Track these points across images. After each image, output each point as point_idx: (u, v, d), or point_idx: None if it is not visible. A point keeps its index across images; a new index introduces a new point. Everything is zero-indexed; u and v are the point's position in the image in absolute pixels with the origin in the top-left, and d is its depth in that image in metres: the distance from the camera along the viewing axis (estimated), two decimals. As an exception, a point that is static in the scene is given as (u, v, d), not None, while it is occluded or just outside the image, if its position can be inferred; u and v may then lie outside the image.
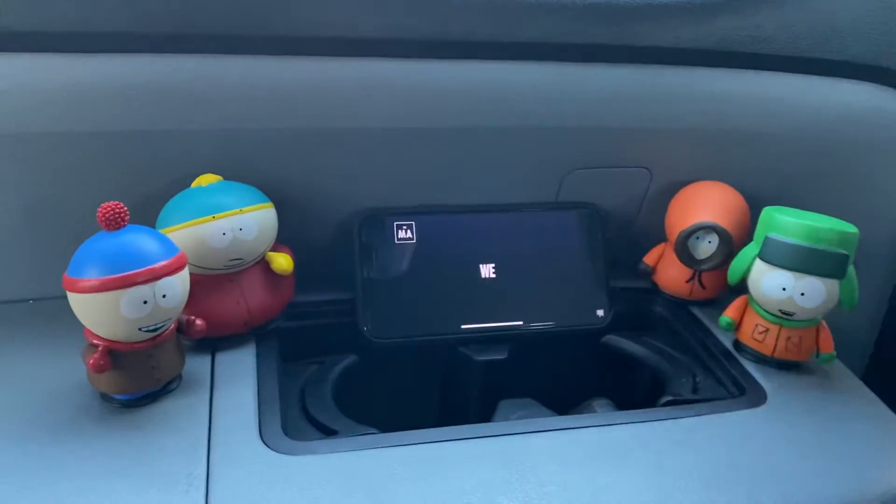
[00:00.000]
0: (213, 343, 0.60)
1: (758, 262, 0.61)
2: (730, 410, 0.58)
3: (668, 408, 0.60)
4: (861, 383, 0.64)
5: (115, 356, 0.50)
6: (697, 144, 0.71)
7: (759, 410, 0.58)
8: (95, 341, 0.50)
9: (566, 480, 0.49)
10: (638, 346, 0.71)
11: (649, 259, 0.74)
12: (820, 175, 0.72)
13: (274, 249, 0.62)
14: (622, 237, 0.76)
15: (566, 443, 0.53)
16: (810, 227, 0.58)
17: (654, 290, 0.75)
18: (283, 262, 0.61)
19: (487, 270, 0.69)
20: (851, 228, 0.60)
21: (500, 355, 0.68)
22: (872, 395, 0.63)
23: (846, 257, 0.58)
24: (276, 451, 0.50)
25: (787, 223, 0.60)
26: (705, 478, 0.50)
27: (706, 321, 0.70)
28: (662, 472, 0.51)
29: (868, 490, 0.52)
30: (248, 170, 0.63)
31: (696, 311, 0.72)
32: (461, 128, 0.66)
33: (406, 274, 0.67)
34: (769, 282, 0.60)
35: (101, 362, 0.49)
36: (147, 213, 0.58)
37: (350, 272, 0.67)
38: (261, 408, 0.54)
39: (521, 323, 0.69)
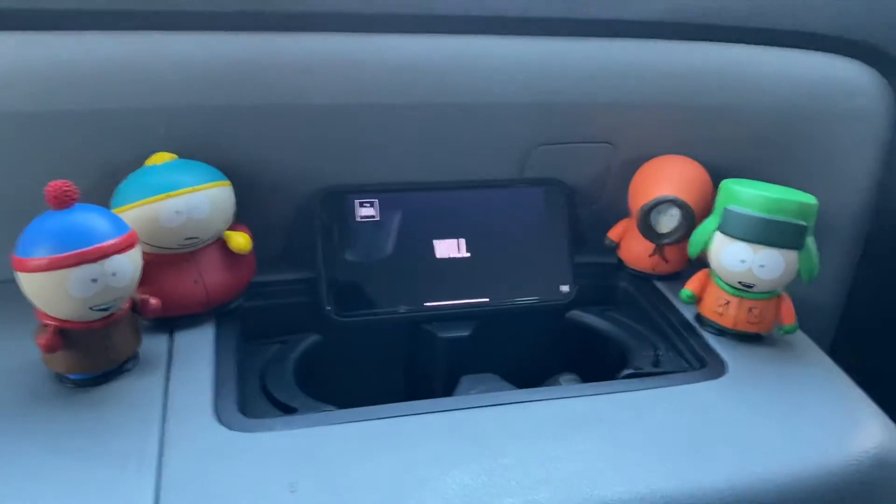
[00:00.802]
0: (172, 323, 0.59)
1: (717, 234, 0.61)
2: (689, 382, 0.58)
3: (627, 380, 0.60)
4: (823, 354, 0.64)
5: (67, 336, 0.50)
6: (659, 118, 0.71)
7: (718, 382, 0.58)
8: (47, 321, 0.50)
9: (521, 452, 0.49)
10: (602, 321, 0.71)
11: (614, 234, 0.74)
12: (783, 147, 0.72)
13: (233, 228, 0.62)
14: (588, 212, 0.76)
15: (524, 415, 0.53)
16: (768, 198, 0.59)
17: (620, 265, 0.75)
18: (240, 240, 0.61)
19: (451, 247, 0.69)
20: (810, 199, 0.60)
21: (464, 332, 0.68)
22: (833, 365, 0.63)
23: (804, 228, 0.59)
24: (230, 428, 0.50)
25: (745, 195, 0.60)
26: (661, 448, 0.51)
27: (669, 295, 0.70)
28: (618, 442, 0.51)
29: (824, 458, 0.52)
30: (205, 148, 0.62)
31: (660, 286, 0.72)
32: (422, 104, 0.66)
33: (368, 252, 0.67)
34: (728, 254, 0.60)
35: (52, 342, 0.49)
36: (103, 194, 0.58)
37: (312, 251, 0.67)
38: (217, 386, 0.54)
39: (485, 299, 0.69)
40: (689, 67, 0.69)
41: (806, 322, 0.69)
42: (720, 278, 0.63)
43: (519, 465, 0.48)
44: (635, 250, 0.72)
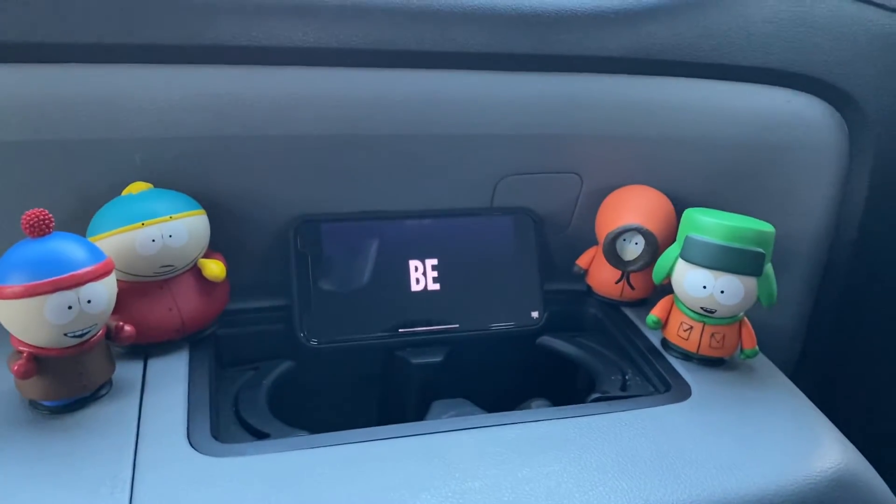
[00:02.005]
0: (146, 349, 0.60)
1: (680, 261, 0.63)
2: (654, 405, 0.60)
3: (595, 404, 0.61)
4: (783, 377, 0.66)
5: (41, 362, 0.51)
6: (625, 150, 0.73)
7: (683, 405, 0.60)
8: (21, 348, 0.50)
9: (489, 475, 0.50)
10: (571, 347, 0.73)
11: (582, 261, 0.76)
12: (743, 177, 0.75)
13: (207, 256, 0.63)
14: (557, 241, 0.78)
15: (492, 439, 0.54)
16: (728, 226, 0.61)
17: (588, 291, 0.77)
18: (215, 268, 0.62)
19: (423, 275, 0.71)
20: (767, 227, 0.62)
21: (436, 357, 0.70)
22: (794, 388, 0.65)
23: (762, 255, 0.61)
24: (202, 453, 0.50)
25: (706, 223, 0.62)
26: (626, 469, 0.52)
27: (636, 321, 0.72)
28: (584, 464, 0.52)
29: (784, 477, 0.53)
30: (180, 178, 0.63)
31: (628, 312, 0.74)
32: (394, 135, 0.68)
33: (342, 279, 0.68)
34: (690, 280, 0.62)
35: (26, 368, 0.50)
36: (80, 222, 0.59)
37: (286, 278, 0.68)
38: (190, 412, 0.54)
39: (457, 326, 0.71)
40: (653, 101, 0.72)
41: (768, 346, 0.72)
42: (683, 304, 0.65)
43: (488, 488, 0.49)
44: (603, 277, 0.74)
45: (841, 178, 0.74)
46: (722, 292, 0.61)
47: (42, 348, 0.50)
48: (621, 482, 0.51)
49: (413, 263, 0.70)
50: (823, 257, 0.78)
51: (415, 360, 0.69)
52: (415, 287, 0.70)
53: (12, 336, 0.51)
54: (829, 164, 0.74)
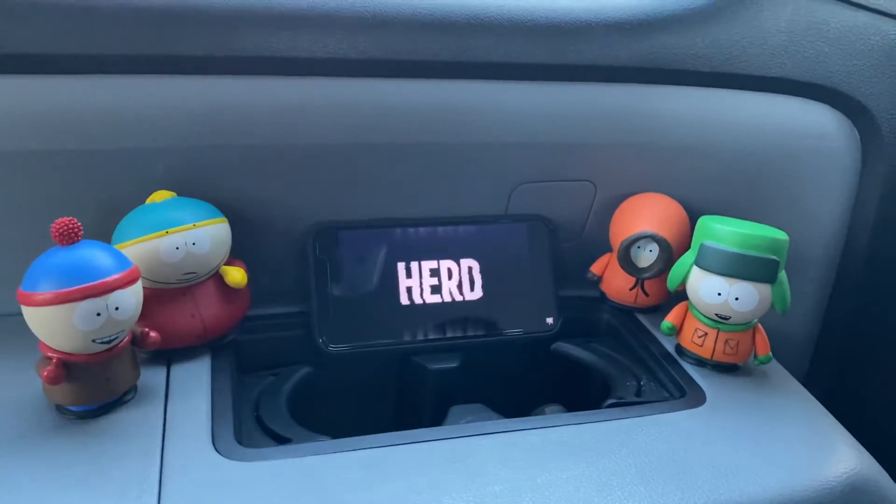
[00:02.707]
0: (169, 355, 0.61)
1: (694, 268, 0.64)
2: (669, 411, 0.60)
3: (611, 409, 0.62)
4: (797, 383, 0.67)
5: (69, 368, 0.52)
6: (639, 158, 0.74)
7: (698, 410, 0.61)
8: (50, 354, 0.51)
9: (509, 479, 0.51)
10: (585, 353, 0.73)
11: (596, 268, 0.77)
12: (757, 185, 0.75)
13: (228, 263, 0.64)
14: (572, 247, 0.78)
15: (512, 444, 0.55)
16: (742, 234, 0.62)
17: (603, 298, 0.77)
18: (236, 275, 0.63)
19: (439, 281, 0.71)
20: (781, 235, 0.63)
21: (452, 363, 0.70)
22: (807, 394, 0.66)
23: (776, 263, 0.62)
24: (227, 457, 0.51)
25: (720, 231, 0.63)
26: (643, 474, 0.53)
27: (650, 327, 0.73)
28: (602, 469, 0.53)
29: (798, 483, 0.54)
30: (202, 186, 0.64)
31: (642, 318, 0.75)
32: (410, 144, 0.69)
33: (359, 286, 0.69)
34: (705, 287, 0.63)
35: (55, 374, 0.51)
36: (105, 230, 0.60)
37: (305, 285, 0.69)
38: (214, 417, 0.55)
39: (472, 332, 0.72)
40: (666, 110, 0.73)
41: (781, 352, 0.72)
42: (698, 310, 0.65)
43: (508, 492, 0.50)
44: (617, 284, 0.75)
45: (853, 187, 0.75)
46: (737, 299, 0.62)
47: (70, 354, 0.51)
48: (639, 487, 0.52)
49: (429, 269, 0.71)
50: (836, 264, 0.78)
51: (431, 366, 0.70)
52: (431, 293, 0.71)
53: (41, 342, 0.52)
54: (842, 173, 0.74)
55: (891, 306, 0.80)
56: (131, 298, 0.52)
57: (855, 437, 0.61)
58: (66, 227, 0.50)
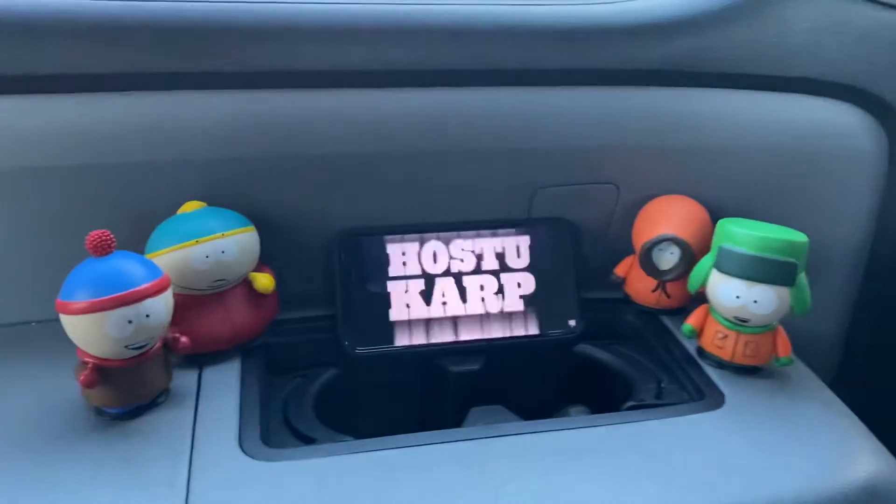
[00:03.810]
0: (201, 359, 0.64)
1: (714, 271, 0.65)
2: (688, 413, 0.61)
3: (629, 412, 0.63)
4: (821, 384, 0.67)
5: (104, 372, 0.55)
6: (661, 161, 0.74)
7: (717, 413, 0.61)
8: (86, 359, 0.54)
9: (525, 480, 0.53)
10: (608, 354, 0.74)
11: (620, 270, 0.77)
12: (781, 186, 0.75)
13: (257, 270, 0.66)
14: (596, 249, 0.79)
15: (528, 445, 0.56)
16: (760, 237, 0.62)
17: (626, 300, 0.78)
18: (265, 281, 0.65)
19: (463, 284, 0.73)
20: (801, 238, 0.63)
21: (474, 366, 0.72)
22: (831, 395, 0.65)
23: (795, 265, 0.61)
24: (253, 458, 0.53)
25: (739, 234, 0.63)
26: (659, 476, 0.54)
27: (673, 329, 0.73)
28: (618, 470, 0.54)
29: (816, 487, 0.54)
30: (231, 196, 0.67)
31: (665, 320, 0.75)
32: (433, 151, 0.70)
33: (383, 289, 0.71)
34: (724, 290, 0.63)
35: (91, 378, 0.54)
36: (139, 240, 0.63)
37: (331, 290, 0.71)
38: (242, 419, 0.58)
39: (494, 334, 0.73)
40: (688, 112, 0.73)
41: (808, 353, 0.72)
42: (718, 313, 0.66)
43: (524, 492, 0.52)
44: (640, 286, 0.75)
45: (880, 187, 0.74)
46: (755, 302, 0.62)
47: (105, 359, 0.54)
48: (653, 489, 0.52)
49: (452, 274, 0.73)
50: (864, 265, 0.78)
51: (453, 368, 0.71)
52: (454, 296, 0.72)
53: (78, 348, 0.55)
54: (869, 173, 0.74)
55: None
56: (161, 306, 0.55)
57: (885, 440, 0.61)
58: (99, 240, 0.53)
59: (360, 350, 0.70)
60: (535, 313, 0.74)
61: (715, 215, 0.73)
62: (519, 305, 0.74)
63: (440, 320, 0.72)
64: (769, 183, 0.75)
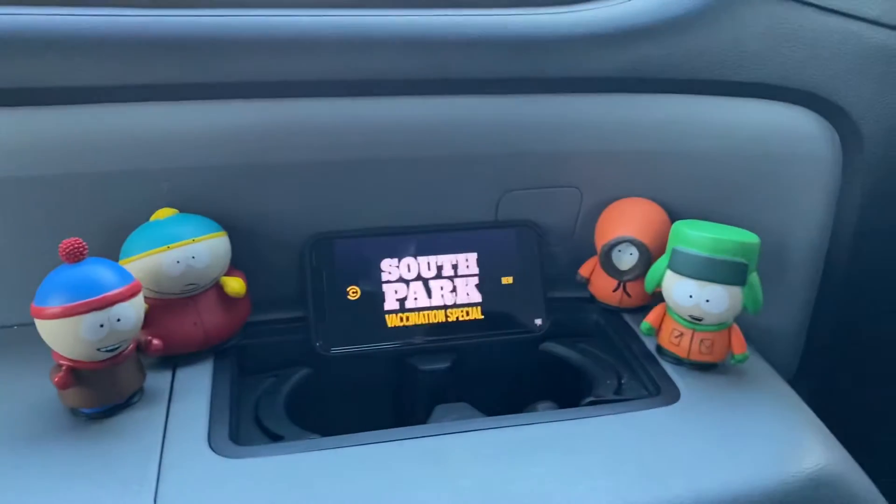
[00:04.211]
0: (174, 360, 0.66)
1: (668, 272, 0.67)
2: (644, 409, 0.63)
3: (587, 407, 0.65)
4: (778, 378, 0.69)
5: (78, 374, 0.57)
6: (623, 165, 0.76)
7: (671, 408, 0.63)
8: (61, 361, 0.57)
9: (480, 474, 0.55)
10: (571, 352, 0.77)
11: (584, 270, 0.79)
12: (739, 189, 0.77)
13: (229, 274, 0.68)
14: (561, 251, 0.81)
15: (487, 441, 0.59)
16: (712, 239, 0.64)
17: (591, 299, 0.80)
18: (235, 285, 0.67)
19: (432, 286, 0.75)
20: (752, 238, 0.65)
21: (443, 364, 0.74)
22: (787, 389, 0.68)
23: (745, 266, 0.64)
24: (221, 455, 0.56)
25: (691, 236, 0.65)
26: (610, 469, 0.56)
27: (634, 327, 0.76)
28: (570, 464, 0.56)
29: (763, 478, 0.56)
30: (204, 203, 0.69)
31: (628, 318, 0.78)
32: (401, 158, 0.72)
33: (354, 292, 0.73)
34: (678, 290, 0.66)
35: (65, 380, 0.56)
36: (115, 246, 0.65)
37: (303, 292, 0.73)
38: (212, 418, 0.60)
39: (463, 333, 0.75)
40: (648, 118, 0.75)
41: (771, 351, 0.75)
42: (674, 312, 0.68)
43: (478, 486, 0.54)
44: (602, 286, 0.78)
45: (835, 188, 0.77)
46: (707, 301, 0.64)
47: (79, 361, 0.56)
48: (605, 481, 0.55)
49: (422, 275, 0.75)
50: (820, 265, 0.80)
51: (423, 367, 0.74)
52: (424, 297, 0.75)
53: (53, 351, 0.57)
54: (823, 175, 0.76)
55: (875, 304, 0.81)
56: (132, 311, 0.57)
57: (843, 434, 0.63)
58: (72, 247, 0.55)
59: (333, 351, 0.72)
60: (503, 313, 0.77)
61: (674, 217, 0.76)
62: (487, 305, 0.76)
63: (411, 320, 0.74)
64: (727, 185, 0.77)
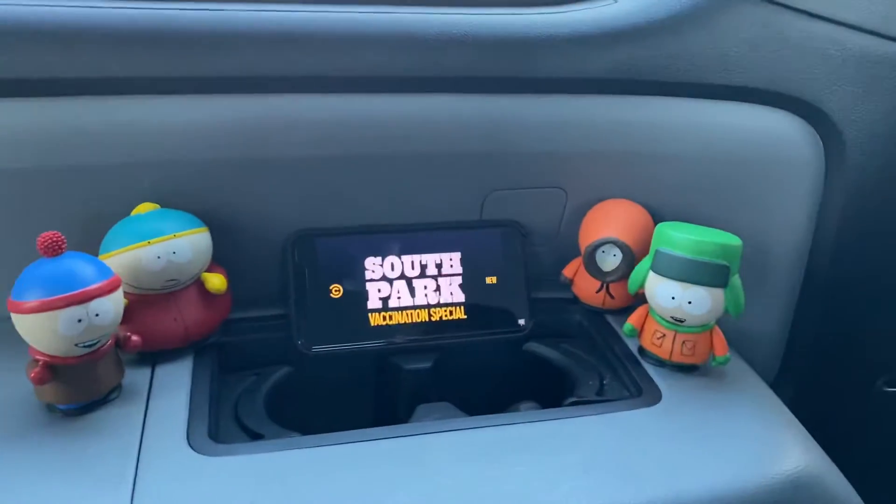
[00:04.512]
0: (154, 357, 0.65)
1: (651, 273, 0.67)
2: (625, 409, 0.63)
3: (568, 408, 0.65)
4: (758, 380, 0.70)
5: (56, 370, 0.56)
6: (607, 166, 0.77)
7: (652, 409, 0.64)
8: (37, 356, 0.56)
9: (460, 474, 0.55)
10: (554, 352, 0.77)
11: (568, 271, 0.80)
12: (722, 191, 0.78)
13: (210, 270, 0.68)
14: (546, 251, 0.81)
15: (467, 441, 0.59)
16: (694, 241, 0.64)
17: (574, 300, 0.80)
18: (216, 281, 0.67)
19: (415, 284, 0.75)
20: (734, 241, 0.66)
21: (426, 363, 0.74)
22: (767, 391, 0.68)
23: (727, 268, 0.64)
24: (199, 452, 0.55)
25: (674, 238, 0.65)
26: (589, 470, 0.56)
27: (617, 328, 0.76)
28: (550, 465, 0.56)
29: (741, 479, 0.57)
30: (185, 198, 0.68)
31: (611, 319, 0.78)
32: (386, 155, 0.72)
33: (336, 290, 0.73)
34: (660, 291, 0.66)
35: (42, 376, 0.55)
36: (95, 240, 0.64)
37: (284, 289, 0.73)
38: (191, 415, 0.59)
39: (447, 333, 0.75)
40: (633, 119, 0.75)
41: (752, 352, 0.75)
42: (656, 313, 0.68)
43: (457, 486, 0.54)
44: (585, 287, 0.78)
45: (818, 192, 0.77)
46: (689, 303, 0.65)
47: (56, 357, 0.56)
48: (585, 481, 0.55)
49: (406, 274, 0.75)
50: (803, 268, 0.80)
51: (406, 366, 0.74)
52: (407, 296, 0.75)
53: (30, 346, 0.56)
54: (806, 178, 0.76)
55: (856, 307, 0.82)
56: (111, 306, 0.56)
57: (822, 436, 0.63)
58: (50, 241, 0.55)
59: (315, 349, 0.71)
60: (487, 312, 0.77)
61: (658, 219, 0.76)
62: (470, 305, 0.76)
63: (394, 319, 0.74)
64: (711, 188, 0.77)
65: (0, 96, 0.63)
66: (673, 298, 0.65)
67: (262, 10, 0.67)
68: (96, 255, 0.61)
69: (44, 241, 0.55)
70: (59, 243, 0.55)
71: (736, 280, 0.66)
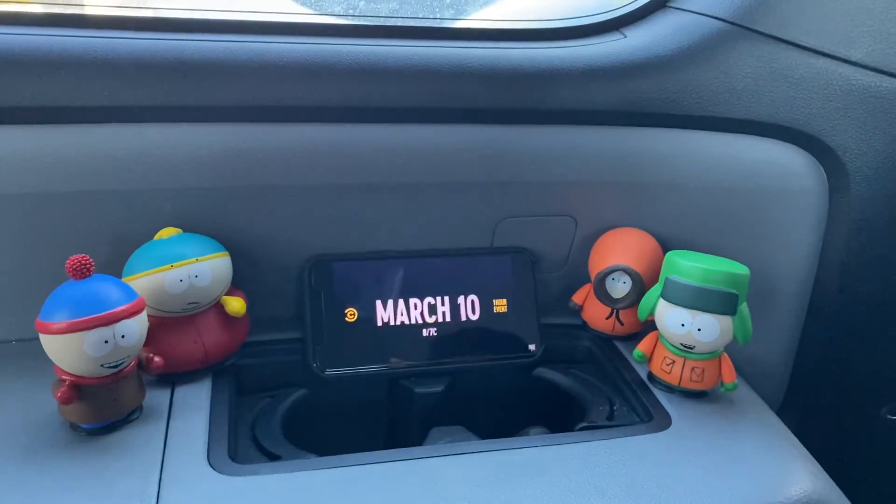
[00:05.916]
0: (174, 378, 0.67)
1: (661, 300, 0.69)
2: (636, 434, 0.65)
3: (580, 433, 0.67)
4: (765, 407, 0.71)
5: (80, 390, 0.57)
6: (616, 195, 0.78)
7: (663, 434, 0.65)
8: (63, 376, 0.57)
9: (474, 496, 0.56)
10: (564, 378, 0.78)
11: (577, 298, 0.81)
12: (728, 221, 0.79)
13: (229, 293, 0.69)
14: (555, 278, 0.83)
15: (481, 464, 0.60)
16: (704, 269, 0.66)
17: (583, 326, 0.82)
18: (236, 305, 0.68)
19: (428, 309, 0.76)
20: (742, 270, 0.67)
21: (437, 387, 0.75)
22: (773, 418, 0.69)
23: (735, 296, 0.66)
24: (220, 472, 0.56)
25: (684, 266, 0.67)
26: (602, 494, 0.57)
27: (626, 354, 0.77)
28: (561, 488, 0.57)
29: (755, 502, 0.58)
30: (207, 223, 0.70)
31: (619, 346, 0.79)
32: (401, 184, 0.74)
33: (351, 314, 0.74)
34: (670, 318, 0.67)
35: (68, 395, 0.56)
36: (118, 263, 0.66)
37: (301, 313, 0.74)
38: (211, 435, 0.61)
39: (458, 357, 0.76)
40: (642, 150, 0.77)
41: (757, 379, 0.77)
42: (666, 340, 0.70)
43: (476, 508, 0.55)
44: (595, 313, 0.79)
45: (822, 223, 0.79)
46: (699, 330, 0.66)
47: (81, 377, 0.57)
48: (598, 504, 0.56)
49: (418, 299, 0.76)
50: (807, 297, 0.82)
51: (418, 390, 0.75)
52: (420, 320, 0.76)
53: (56, 366, 0.58)
54: (810, 209, 0.78)
55: (861, 336, 0.83)
56: (136, 327, 0.58)
57: (827, 464, 0.64)
58: (79, 263, 0.56)
59: (329, 372, 0.73)
60: (498, 338, 0.78)
61: (666, 247, 0.78)
62: (482, 329, 0.77)
63: (406, 344, 0.75)
64: (717, 217, 0.79)
65: (26, 123, 0.65)
66: (683, 325, 0.67)
67: (279, 42, 0.69)
68: (119, 277, 0.63)
69: (73, 264, 0.56)
70: (88, 266, 0.57)
71: (744, 308, 0.67)
